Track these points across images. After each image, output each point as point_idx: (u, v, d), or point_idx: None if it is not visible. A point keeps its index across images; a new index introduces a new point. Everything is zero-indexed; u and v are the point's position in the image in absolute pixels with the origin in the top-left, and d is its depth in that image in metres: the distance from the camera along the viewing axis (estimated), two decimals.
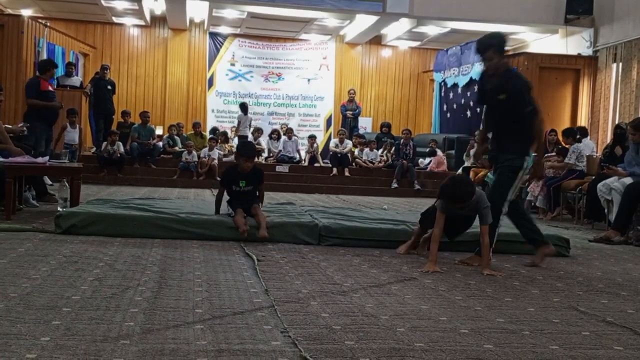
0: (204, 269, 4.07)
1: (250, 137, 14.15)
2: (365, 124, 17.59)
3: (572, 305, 3.55)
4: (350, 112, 16.06)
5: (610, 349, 2.75)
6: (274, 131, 14.94)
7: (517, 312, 3.33)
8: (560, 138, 10.55)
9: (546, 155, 10.24)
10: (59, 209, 6.02)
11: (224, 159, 12.91)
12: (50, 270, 3.73)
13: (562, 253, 5.47)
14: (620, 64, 13.26)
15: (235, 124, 15.31)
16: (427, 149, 14.08)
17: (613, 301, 3.75)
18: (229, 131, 15.40)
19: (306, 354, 2.41)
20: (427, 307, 3.32)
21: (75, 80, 13.59)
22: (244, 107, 15.10)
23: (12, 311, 2.82)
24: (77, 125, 11.88)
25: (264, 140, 14.63)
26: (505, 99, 4.61)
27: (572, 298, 3.77)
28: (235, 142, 14.77)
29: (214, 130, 14.95)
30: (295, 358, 2.39)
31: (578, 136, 9.98)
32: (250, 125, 14.91)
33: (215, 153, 12.96)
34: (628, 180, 7.05)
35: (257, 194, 5.75)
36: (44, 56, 13.08)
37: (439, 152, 14.06)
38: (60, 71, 14.14)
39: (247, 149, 5.96)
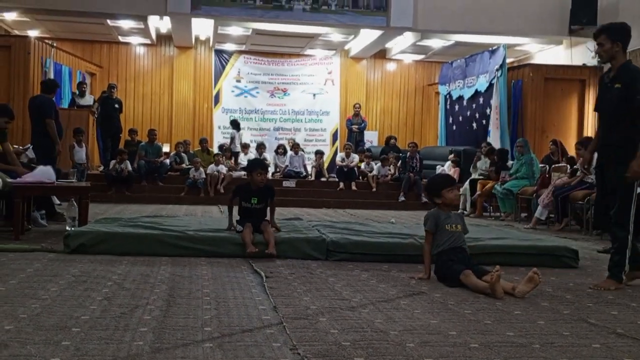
0: (212, 286, 4.07)
1: (241, 155, 14.41)
2: (371, 138, 17.61)
3: (582, 318, 3.54)
4: (356, 126, 16.10)
5: None
6: (280, 146, 15.02)
7: (527, 325, 3.32)
8: (574, 149, 10.44)
9: (554, 165, 10.24)
10: (67, 228, 6.03)
11: (232, 174, 12.96)
12: (59, 291, 3.74)
13: (571, 264, 5.45)
14: None
15: (229, 141, 15.60)
16: (451, 159, 13.72)
17: (623, 312, 3.73)
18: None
19: None
20: (436, 322, 3.30)
21: (89, 99, 13.70)
22: (236, 124, 15.51)
23: (22, 332, 2.82)
24: (84, 144, 11.95)
25: (269, 156, 14.69)
26: (621, 88, 4.53)
27: (582, 310, 3.75)
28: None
29: (222, 147, 15.05)
30: None
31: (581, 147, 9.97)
32: (241, 142, 15.16)
33: (223, 168, 13.02)
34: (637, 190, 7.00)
35: (269, 211, 5.80)
36: (51, 76, 13.20)
37: None
38: (67, 91, 14.28)
39: (259, 162, 6.17)
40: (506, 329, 3.22)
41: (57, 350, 2.58)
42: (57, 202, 8.79)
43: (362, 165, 14.14)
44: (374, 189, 13.52)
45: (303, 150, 15.19)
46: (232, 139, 15.22)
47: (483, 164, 11.98)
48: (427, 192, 4.93)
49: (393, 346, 2.82)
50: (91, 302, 3.48)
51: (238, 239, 5.41)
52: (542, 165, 10.92)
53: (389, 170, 14.05)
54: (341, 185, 13.53)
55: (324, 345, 2.80)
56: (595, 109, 4.99)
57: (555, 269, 5.29)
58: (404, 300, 3.83)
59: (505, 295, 4.02)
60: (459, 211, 10.50)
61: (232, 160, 14.33)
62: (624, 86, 4.52)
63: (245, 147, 15.15)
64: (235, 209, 5.83)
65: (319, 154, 14.73)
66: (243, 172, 13.03)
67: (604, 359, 2.75)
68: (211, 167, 12.99)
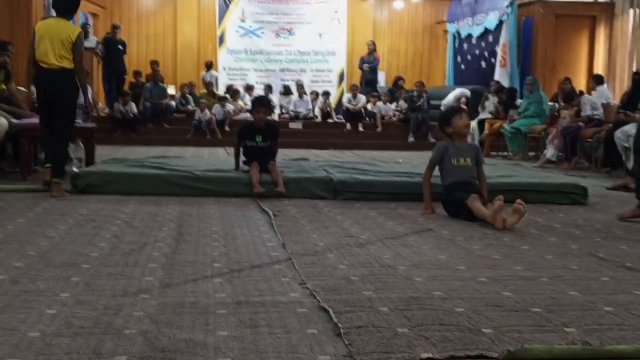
0: (220, 224, 4.08)
1: (247, 97, 14.37)
2: (379, 78, 17.37)
3: (590, 252, 3.53)
4: (367, 65, 15.79)
5: (630, 294, 2.73)
6: (285, 87, 14.92)
7: (536, 259, 3.32)
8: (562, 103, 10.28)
9: (563, 104, 10.11)
10: (74, 169, 6.03)
11: (234, 117, 12.94)
12: (67, 229, 3.76)
13: (579, 201, 5.43)
14: (637, 10, 12.95)
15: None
16: (461, 102, 13.46)
17: (632, 247, 3.72)
18: (241, 88, 15.35)
19: (324, 304, 2.42)
20: (444, 257, 3.31)
21: (92, 40, 13.48)
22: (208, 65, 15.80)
23: (31, 269, 2.84)
24: (89, 86, 11.84)
25: (275, 98, 14.56)
26: None
27: (590, 245, 3.74)
28: None
29: (229, 89, 14.94)
30: (313, 308, 2.40)
31: (592, 85, 9.85)
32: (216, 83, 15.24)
33: (229, 106, 13.01)
34: None
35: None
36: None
37: None
38: None
39: (259, 100, 6.16)
40: (514, 263, 3.22)
41: (67, 285, 2.60)
42: None
43: (369, 106, 13.99)
44: (379, 129, 13.42)
45: (319, 94, 14.89)
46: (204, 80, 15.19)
47: (491, 103, 11.84)
48: (440, 125, 4.94)
49: (401, 280, 2.83)
50: (100, 239, 3.49)
51: (246, 179, 5.39)
52: (552, 103, 10.78)
53: (397, 109, 13.87)
54: (348, 126, 13.45)
55: (332, 279, 2.80)
56: None
57: (563, 205, 5.28)
58: (411, 237, 3.83)
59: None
60: (475, 141, 10.35)
61: (240, 102, 14.22)
62: None
63: (249, 88, 15.04)
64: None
65: (325, 94, 14.58)
66: (248, 114, 12.98)
67: (612, 292, 2.75)
68: (216, 108, 12.92)
